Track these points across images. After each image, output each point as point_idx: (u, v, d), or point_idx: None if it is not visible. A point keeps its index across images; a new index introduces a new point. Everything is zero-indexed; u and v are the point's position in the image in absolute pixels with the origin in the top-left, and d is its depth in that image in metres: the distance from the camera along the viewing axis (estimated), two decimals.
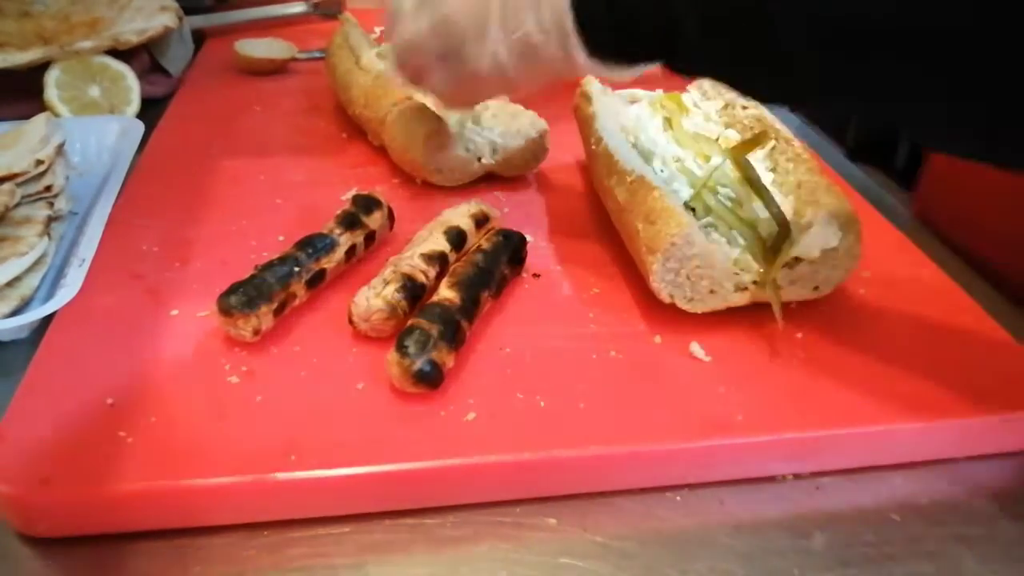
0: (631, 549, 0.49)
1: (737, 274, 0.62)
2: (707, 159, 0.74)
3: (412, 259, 0.61)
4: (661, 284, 0.61)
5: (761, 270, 0.62)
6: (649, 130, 0.79)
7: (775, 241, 0.63)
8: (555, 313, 0.64)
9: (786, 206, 0.67)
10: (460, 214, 0.68)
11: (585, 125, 0.81)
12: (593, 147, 0.76)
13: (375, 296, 0.58)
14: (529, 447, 0.51)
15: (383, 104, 0.83)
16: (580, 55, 0.54)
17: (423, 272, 0.61)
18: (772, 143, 0.74)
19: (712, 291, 0.62)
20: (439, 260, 0.63)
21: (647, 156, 0.74)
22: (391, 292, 0.58)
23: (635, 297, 0.66)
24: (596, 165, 0.75)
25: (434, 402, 0.54)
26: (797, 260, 0.62)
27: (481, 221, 0.69)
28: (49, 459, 0.48)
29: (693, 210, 0.67)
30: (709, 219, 0.66)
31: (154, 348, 0.58)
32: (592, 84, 0.83)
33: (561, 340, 0.61)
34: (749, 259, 0.63)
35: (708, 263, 0.61)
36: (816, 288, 0.64)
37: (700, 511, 0.51)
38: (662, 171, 0.72)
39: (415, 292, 0.60)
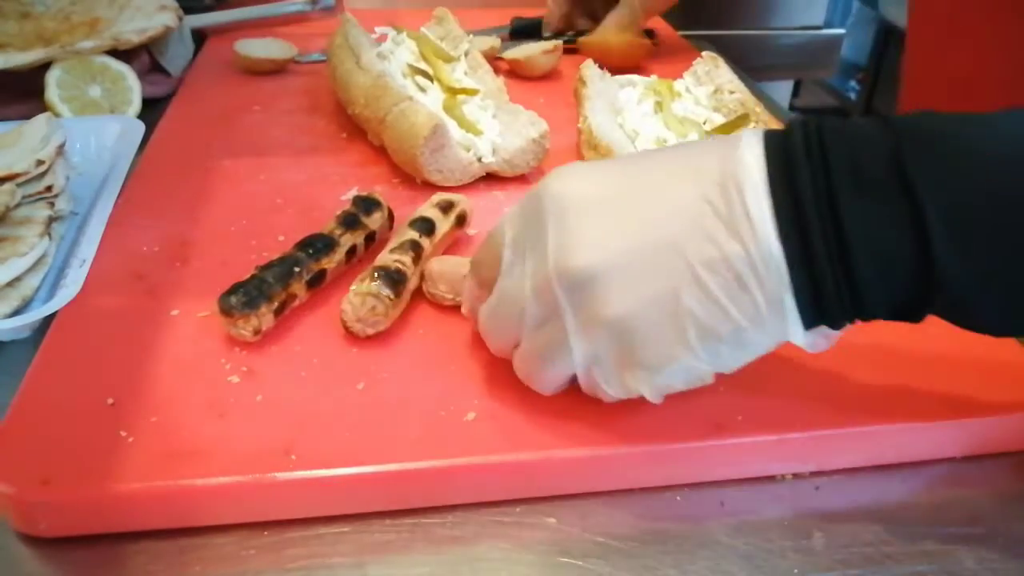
0: (631, 549, 0.49)
1: None
2: None
3: (383, 258, 0.62)
4: None
5: None
6: (637, 112, 0.81)
7: None
8: None
9: None
10: (422, 208, 0.69)
11: (579, 106, 0.85)
12: (580, 125, 0.79)
13: (354, 295, 0.58)
14: (529, 447, 0.51)
15: (383, 104, 0.83)
16: (796, 332, 0.43)
17: (397, 261, 0.61)
18: (753, 125, 0.76)
19: None
20: (411, 247, 0.63)
21: (632, 135, 0.76)
22: (367, 284, 0.59)
23: None
24: (580, 142, 0.79)
25: (434, 402, 0.54)
26: None
27: (447, 207, 0.69)
28: (49, 459, 0.48)
29: None
30: None
31: (154, 348, 0.58)
32: (589, 68, 0.85)
33: None
34: None
35: None
36: None
37: (700, 511, 0.51)
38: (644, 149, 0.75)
39: (393, 277, 0.60)
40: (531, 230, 0.47)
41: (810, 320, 0.43)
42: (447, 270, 0.62)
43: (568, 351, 0.47)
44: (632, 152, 0.48)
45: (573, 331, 0.46)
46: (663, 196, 0.44)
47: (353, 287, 0.59)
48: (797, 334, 0.43)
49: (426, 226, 0.66)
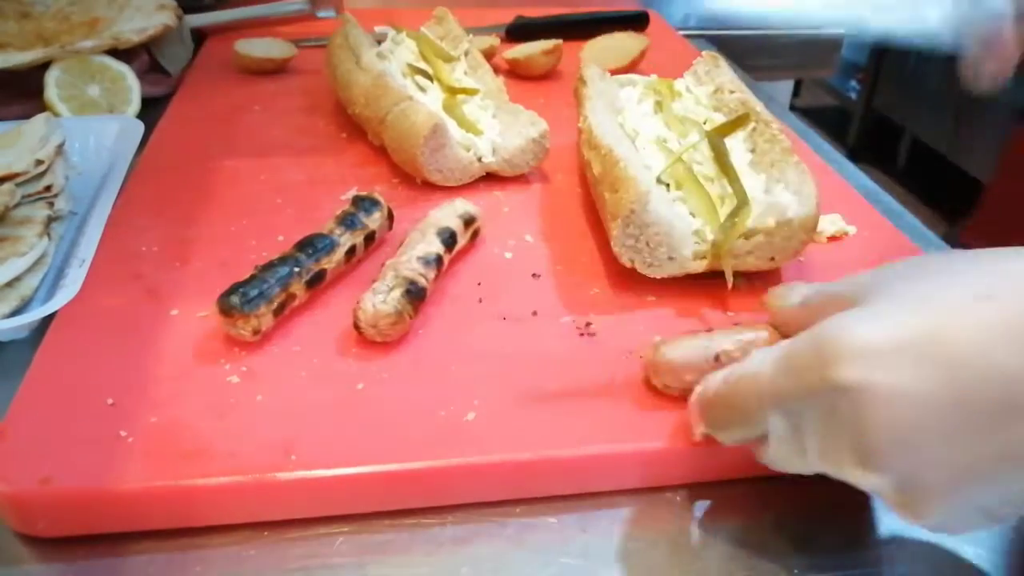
0: (631, 549, 0.49)
1: (697, 244, 0.65)
2: None
3: (410, 263, 0.62)
4: (621, 249, 0.65)
5: (719, 238, 0.65)
6: (637, 111, 0.81)
7: (732, 211, 0.66)
8: (555, 313, 0.64)
9: (759, 183, 0.71)
10: (448, 215, 0.68)
11: (579, 106, 0.84)
12: (580, 125, 0.80)
13: (382, 303, 0.58)
14: (529, 447, 0.51)
15: (383, 104, 0.83)
16: None
17: (423, 275, 0.61)
18: (752, 125, 0.76)
19: (671, 257, 0.65)
20: (436, 262, 0.63)
21: (632, 135, 0.77)
22: (398, 297, 0.58)
23: (636, 298, 0.66)
24: (580, 141, 0.79)
25: (434, 402, 0.54)
26: (755, 232, 0.65)
27: (468, 221, 0.69)
28: (49, 459, 0.48)
29: (667, 185, 0.70)
30: (680, 193, 0.69)
31: (154, 348, 0.58)
32: (590, 69, 0.85)
33: (561, 340, 0.61)
34: (707, 231, 0.66)
35: (667, 231, 0.64)
36: (772, 259, 0.66)
37: (700, 511, 0.51)
38: (644, 149, 0.75)
39: (418, 296, 0.60)
40: (815, 415, 0.42)
41: None
42: (687, 362, 0.54)
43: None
44: (917, 296, 0.42)
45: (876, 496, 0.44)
46: (983, 395, 0.38)
47: (379, 295, 0.59)
48: None
49: (451, 241, 0.66)
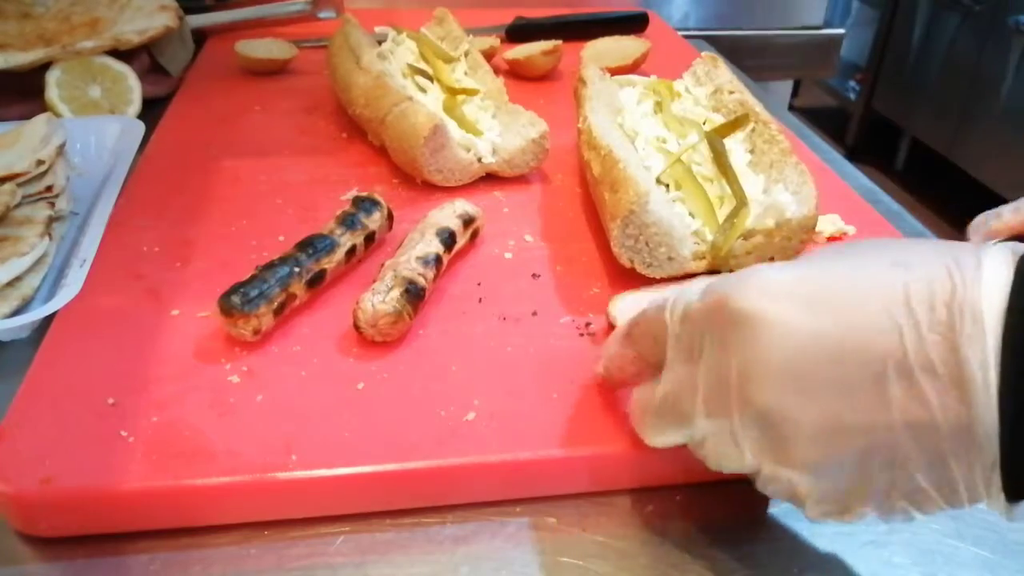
0: (631, 549, 0.49)
1: (697, 244, 0.66)
2: None
3: (409, 263, 0.62)
4: (621, 249, 0.65)
5: (718, 239, 0.66)
6: (636, 112, 0.82)
7: (732, 212, 0.67)
8: (555, 313, 0.64)
9: (758, 183, 0.71)
10: (448, 215, 0.68)
11: (579, 107, 0.84)
12: (580, 126, 0.80)
13: (381, 302, 0.58)
14: (529, 447, 0.51)
15: (383, 104, 0.83)
16: (997, 502, 0.38)
17: (422, 275, 0.61)
18: (751, 126, 0.76)
19: (670, 258, 0.65)
20: (435, 262, 0.63)
21: (631, 136, 0.77)
22: (397, 297, 0.58)
23: None
24: (580, 142, 0.79)
25: (434, 402, 0.54)
26: (754, 232, 0.66)
27: (468, 221, 0.69)
28: (50, 459, 0.48)
29: (667, 186, 0.71)
30: (679, 193, 0.70)
31: (155, 348, 0.58)
32: (589, 69, 0.86)
33: (561, 340, 0.61)
34: (706, 231, 0.66)
35: (666, 231, 0.65)
36: (771, 259, 0.67)
37: (700, 511, 0.51)
38: (644, 150, 0.75)
39: (417, 296, 0.60)
40: (711, 342, 0.43)
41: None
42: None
43: (738, 456, 0.43)
44: (836, 261, 0.42)
45: (748, 449, 0.43)
46: (869, 342, 0.38)
47: (378, 295, 0.59)
48: (997, 502, 0.38)
49: (449, 241, 0.66)
